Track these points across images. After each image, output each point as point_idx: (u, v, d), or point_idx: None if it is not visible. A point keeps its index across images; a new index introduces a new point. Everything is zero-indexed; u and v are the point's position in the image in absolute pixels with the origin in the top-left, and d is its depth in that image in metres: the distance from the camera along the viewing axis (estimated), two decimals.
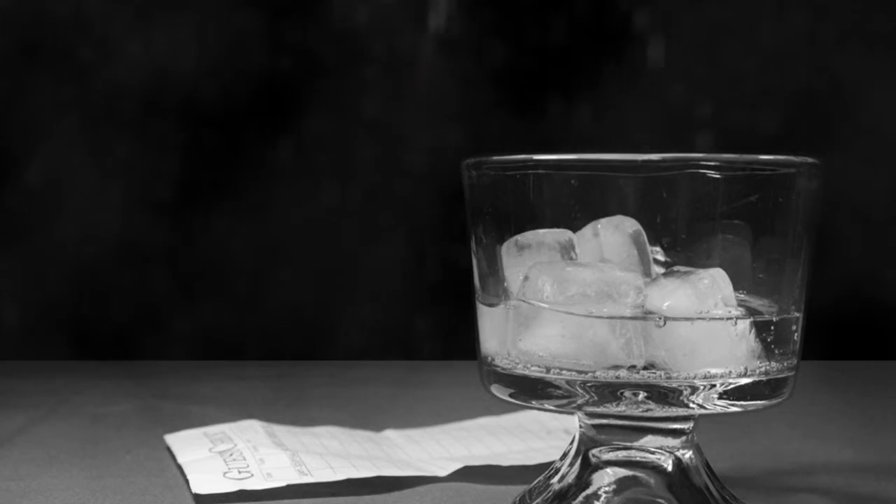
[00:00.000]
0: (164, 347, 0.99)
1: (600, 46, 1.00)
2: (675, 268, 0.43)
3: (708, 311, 0.42)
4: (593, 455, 0.45)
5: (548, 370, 0.43)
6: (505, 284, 0.45)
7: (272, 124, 0.99)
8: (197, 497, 0.50)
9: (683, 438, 0.45)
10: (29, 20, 0.97)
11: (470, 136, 0.99)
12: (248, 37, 0.99)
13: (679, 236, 0.43)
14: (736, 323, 0.42)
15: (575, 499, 0.44)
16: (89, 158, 0.98)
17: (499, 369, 0.45)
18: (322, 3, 0.99)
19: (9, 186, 0.98)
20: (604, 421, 0.45)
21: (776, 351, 0.43)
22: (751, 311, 0.43)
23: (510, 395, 0.45)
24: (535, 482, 0.47)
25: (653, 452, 0.44)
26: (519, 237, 0.45)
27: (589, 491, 0.44)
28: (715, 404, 0.42)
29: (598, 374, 0.42)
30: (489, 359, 0.45)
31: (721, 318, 0.42)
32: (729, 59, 1.01)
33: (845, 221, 0.99)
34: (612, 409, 0.42)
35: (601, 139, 0.97)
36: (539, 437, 0.62)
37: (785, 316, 0.44)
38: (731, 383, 0.42)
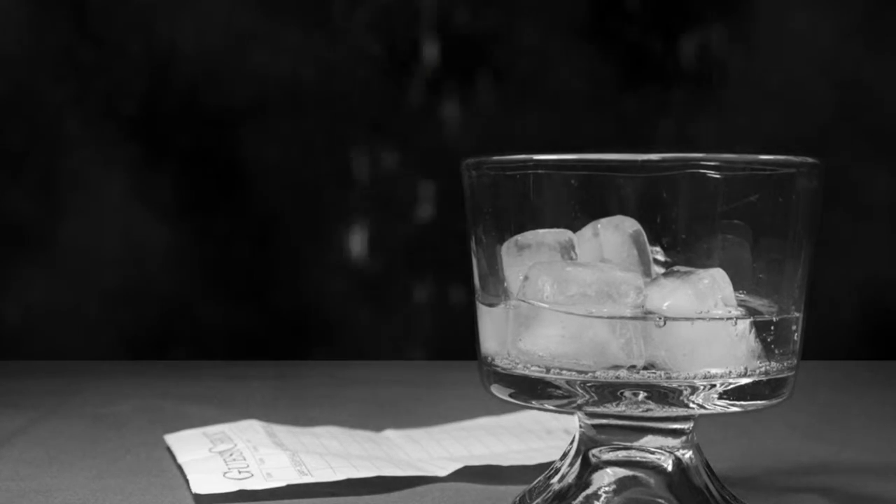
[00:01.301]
0: (164, 347, 0.99)
1: (606, 48, 1.00)
2: (675, 268, 0.43)
3: (708, 311, 0.42)
4: (593, 455, 0.45)
5: (548, 370, 0.43)
6: (505, 284, 0.45)
7: (274, 124, 0.99)
8: (197, 497, 0.50)
9: (683, 438, 0.45)
10: (30, 20, 0.97)
11: (469, 136, 0.99)
12: (250, 36, 0.99)
13: (679, 236, 0.43)
14: (736, 323, 0.42)
15: (575, 499, 0.44)
16: (92, 158, 0.98)
17: (499, 369, 0.45)
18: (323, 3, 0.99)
19: (10, 186, 0.98)
20: (604, 421, 0.45)
21: (776, 351, 0.43)
22: (751, 311, 0.43)
23: (510, 395, 0.45)
24: (535, 482, 0.47)
25: (653, 452, 0.44)
26: (519, 237, 0.45)
27: (589, 491, 0.44)
28: (715, 404, 0.42)
29: (598, 374, 0.42)
30: (489, 359, 0.45)
31: (721, 318, 0.42)
32: (732, 60, 1.01)
33: (846, 222, 0.99)
34: (612, 409, 0.42)
35: (602, 142, 0.97)
36: (539, 437, 0.62)
37: (785, 316, 0.44)
38: (731, 383, 0.42)
